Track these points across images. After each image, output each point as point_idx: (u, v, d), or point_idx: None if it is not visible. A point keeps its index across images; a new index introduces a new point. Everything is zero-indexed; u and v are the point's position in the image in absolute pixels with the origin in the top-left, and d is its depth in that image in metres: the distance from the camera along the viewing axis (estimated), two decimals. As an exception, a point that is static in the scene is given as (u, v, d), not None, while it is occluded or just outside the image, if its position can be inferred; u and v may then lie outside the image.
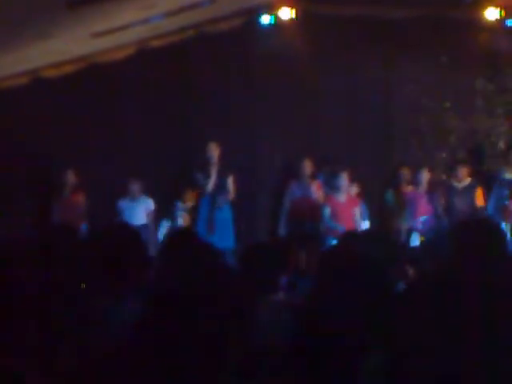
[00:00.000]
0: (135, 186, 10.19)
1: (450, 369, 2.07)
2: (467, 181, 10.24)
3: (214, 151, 10.05)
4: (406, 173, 10.54)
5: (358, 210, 9.92)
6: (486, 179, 10.42)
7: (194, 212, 10.10)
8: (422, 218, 10.03)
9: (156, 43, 10.84)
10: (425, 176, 10.42)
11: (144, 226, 9.73)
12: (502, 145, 11.09)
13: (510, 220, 9.71)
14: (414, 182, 10.48)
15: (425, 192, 10.32)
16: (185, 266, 2.84)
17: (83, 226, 9.75)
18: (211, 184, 9.97)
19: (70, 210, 10.00)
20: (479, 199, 10.19)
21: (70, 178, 10.28)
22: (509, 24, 10.87)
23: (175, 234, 4.90)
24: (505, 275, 2.54)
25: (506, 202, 9.96)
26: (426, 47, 10.88)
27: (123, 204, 10.20)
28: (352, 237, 4.51)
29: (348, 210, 9.86)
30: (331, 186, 10.10)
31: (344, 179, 9.90)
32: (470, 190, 10.21)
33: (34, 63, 10.26)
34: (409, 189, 10.45)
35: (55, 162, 10.51)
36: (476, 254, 2.91)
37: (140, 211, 10.13)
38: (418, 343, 2.09)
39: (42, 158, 10.57)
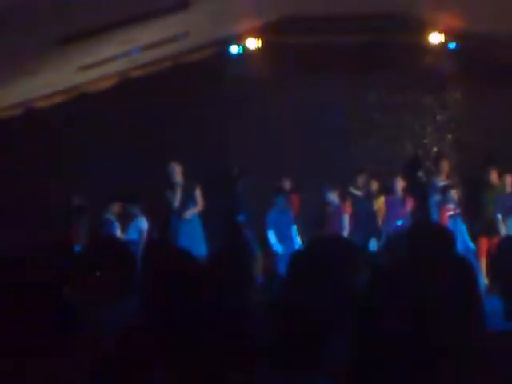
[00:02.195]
0: (134, 209, 10.15)
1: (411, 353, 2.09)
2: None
3: (174, 169, 9.81)
4: (361, 180, 10.60)
5: (347, 218, 10.02)
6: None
7: (164, 225, 9.99)
8: (398, 222, 10.04)
9: (136, 73, 10.85)
10: (399, 183, 10.32)
11: (136, 241, 9.75)
12: (434, 154, 11.22)
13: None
14: (390, 189, 10.41)
15: (400, 198, 10.25)
16: (163, 272, 2.87)
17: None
18: (177, 201, 9.76)
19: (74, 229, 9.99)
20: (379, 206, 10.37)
21: (78, 200, 10.28)
22: (451, 47, 11.03)
23: (152, 244, 4.90)
24: (449, 273, 2.60)
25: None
26: (378, 68, 10.96)
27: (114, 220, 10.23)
28: (317, 240, 4.55)
29: (337, 217, 10.04)
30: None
31: (330, 195, 10.09)
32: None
33: (27, 95, 10.23)
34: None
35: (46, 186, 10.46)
36: (425, 253, 2.99)
37: (134, 228, 10.12)
38: (377, 332, 2.13)
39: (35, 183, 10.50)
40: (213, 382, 2.27)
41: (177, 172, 9.82)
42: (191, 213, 9.76)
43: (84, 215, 10.19)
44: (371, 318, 2.20)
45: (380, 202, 10.47)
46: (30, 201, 10.35)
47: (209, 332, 2.31)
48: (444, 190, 10.15)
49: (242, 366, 2.30)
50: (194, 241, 9.49)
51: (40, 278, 3.07)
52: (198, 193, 9.79)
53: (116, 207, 10.27)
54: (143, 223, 10.10)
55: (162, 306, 2.62)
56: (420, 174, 10.98)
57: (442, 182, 10.39)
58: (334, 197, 10.12)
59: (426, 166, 11.24)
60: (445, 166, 10.59)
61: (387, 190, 10.52)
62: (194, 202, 9.79)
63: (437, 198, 10.22)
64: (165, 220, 9.98)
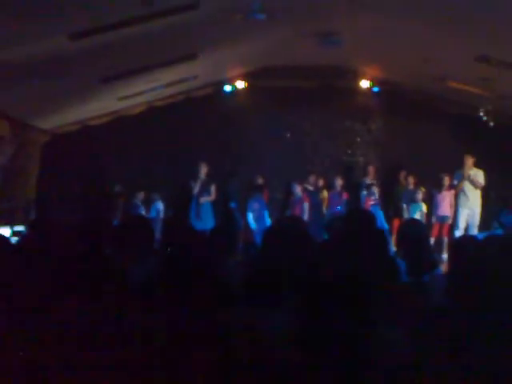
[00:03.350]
0: (155, 195, 10.10)
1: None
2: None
3: (202, 168, 9.78)
4: (312, 179, 10.59)
5: (307, 205, 9.89)
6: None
7: (185, 207, 9.94)
8: (337, 208, 10.06)
9: (159, 103, 10.78)
10: (338, 182, 10.32)
11: (154, 218, 9.69)
12: (363, 163, 11.21)
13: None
14: (332, 185, 10.38)
15: (338, 192, 10.27)
16: (176, 240, 2.83)
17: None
18: (196, 189, 9.76)
19: (114, 209, 9.88)
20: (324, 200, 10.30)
21: (117, 188, 10.18)
22: (375, 90, 11.06)
23: (169, 221, 4.87)
24: (371, 241, 2.59)
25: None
26: (325, 104, 10.94)
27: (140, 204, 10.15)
28: (283, 220, 4.55)
29: (299, 205, 9.91)
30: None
31: (296, 188, 9.95)
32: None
33: (82, 116, 10.13)
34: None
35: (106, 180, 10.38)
36: (355, 228, 2.99)
37: (153, 209, 10.05)
38: (321, 280, 2.09)
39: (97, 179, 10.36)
40: (201, 317, 2.22)
41: (203, 170, 9.75)
42: (205, 199, 9.71)
43: (121, 199, 10.11)
44: (317, 272, 2.18)
45: (324, 195, 10.49)
46: (85, 190, 10.23)
47: (202, 280, 2.27)
48: (368, 187, 10.22)
49: (224, 304, 2.26)
50: (207, 218, 9.53)
51: (90, 241, 3.03)
52: (213, 188, 9.77)
53: (141, 194, 10.18)
54: (160, 205, 10.09)
55: (174, 263, 2.57)
56: (352, 175, 11.07)
57: (368, 181, 10.46)
58: (298, 190, 10.07)
59: (357, 170, 11.27)
60: (371, 170, 10.66)
61: (330, 186, 10.55)
62: (208, 192, 9.73)
63: (364, 192, 10.31)
64: (186, 203, 9.87)
